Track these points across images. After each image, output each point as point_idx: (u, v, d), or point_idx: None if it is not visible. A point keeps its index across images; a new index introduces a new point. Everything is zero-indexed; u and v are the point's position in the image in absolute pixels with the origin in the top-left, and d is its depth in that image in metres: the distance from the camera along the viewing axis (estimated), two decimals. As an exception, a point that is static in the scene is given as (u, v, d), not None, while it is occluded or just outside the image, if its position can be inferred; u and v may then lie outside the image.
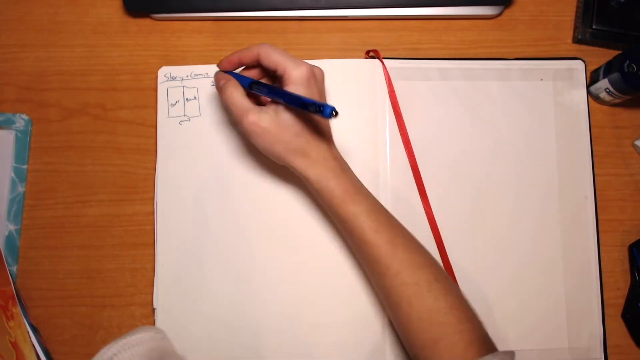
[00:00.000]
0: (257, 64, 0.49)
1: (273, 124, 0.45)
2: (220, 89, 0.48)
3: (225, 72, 0.50)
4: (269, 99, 0.48)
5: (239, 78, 0.48)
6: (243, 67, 0.50)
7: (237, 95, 0.46)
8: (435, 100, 0.57)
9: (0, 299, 0.50)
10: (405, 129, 0.56)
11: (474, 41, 0.60)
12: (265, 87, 0.47)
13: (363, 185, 0.49)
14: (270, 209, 0.55)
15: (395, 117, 0.56)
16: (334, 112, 0.40)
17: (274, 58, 0.46)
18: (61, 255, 0.55)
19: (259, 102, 0.49)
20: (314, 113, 0.42)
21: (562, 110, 0.57)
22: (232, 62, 0.49)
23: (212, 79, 0.57)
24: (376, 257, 0.46)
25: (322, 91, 0.48)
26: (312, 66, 0.47)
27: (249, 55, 0.48)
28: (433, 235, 0.55)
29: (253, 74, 0.50)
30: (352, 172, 0.49)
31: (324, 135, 0.47)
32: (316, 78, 0.47)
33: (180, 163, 0.55)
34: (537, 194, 0.56)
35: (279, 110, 0.45)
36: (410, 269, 0.45)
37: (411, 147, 0.55)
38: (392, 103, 0.56)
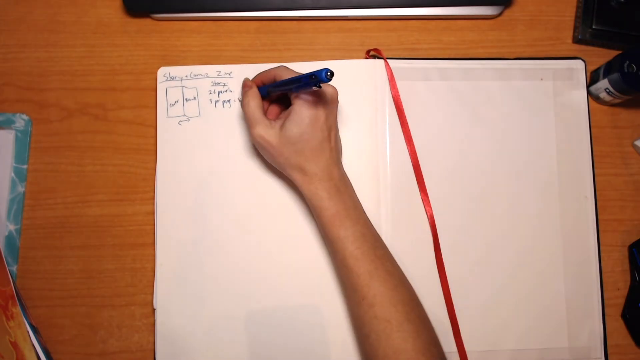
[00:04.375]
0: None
1: (275, 138, 0.48)
2: (242, 95, 0.51)
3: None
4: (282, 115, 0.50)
5: (261, 89, 0.51)
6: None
7: (252, 105, 0.49)
8: (435, 100, 0.57)
9: (0, 299, 0.50)
10: (408, 127, 0.56)
11: (474, 41, 0.60)
12: (276, 85, 0.49)
13: (358, 207, 0.49)
14: (269, 209, 0.55)
15: (398, 115, 0.56)
16: (328, 73, 0.41)
17: (286, 75, 0.48)
18: (61, 255, 0.55)
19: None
20: (315, 86, 0.43)
21: (562, 110, 0.57)
22: (257, 83, 0.51)
23: (212, 79, 0.57)
24: (353, 284, 0.46)
25: (330, 112, 0.48)
26: (322, 88, 0.48)
27: (267, 76, 0.50)
28: (432, 235, 0.55)
29: (271, 103, 0.53)
30: (350, 192, 0.50)
31: (324, 153, 0.48)
32: (325, 100, 0.48)
33: (180, 163, 0.55)
34: (537, 193, 0.56)
35: (285, 127, 0.47)
36: (384, 304, 0.45)
37: (413, 145, 0.55)
38: (394, 101, 0.56)
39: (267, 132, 0.48)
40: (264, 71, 0.51)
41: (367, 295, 0.45)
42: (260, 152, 0.51)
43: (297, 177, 0.49)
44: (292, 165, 0.49)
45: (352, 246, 0.47)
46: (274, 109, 0.52)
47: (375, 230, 0.49)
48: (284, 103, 0.52)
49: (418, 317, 0.46)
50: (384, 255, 0.48)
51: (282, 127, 0.48)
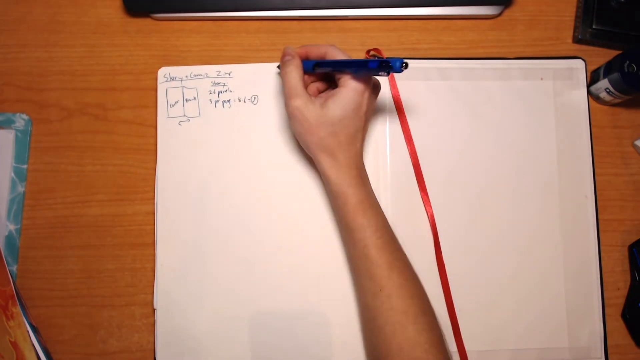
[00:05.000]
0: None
1: (314, 116, 0.46)
2: (283, 64, 0.49)
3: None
4: (321, 92, 0.50)
5: (305, 62, 0.49)
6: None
7: (294, 76, 0.47)
8: (435, 100, 0.57)
9: (0, 298, 0.50)
10: (408, 127, 0.56)
11: (474, 41, 0.60)
12: (330, 63, 0.48)
13: (377, 201, 0.49)
14: (270, 209, 0.55)
15: (398, 115, 0.56)
16: (403, 64, 0.41)
17: (338, 57, 0.47)
18: (61, 255, 0.55)
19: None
20: (383, 74, 0.43)
21: (562, 110, 0.57)
22: (301, 54, 0.50)
23: (212, 80, 0.57)
24: (372, 274, 0.46)
25: (371, 104, 0.49)
26: (372, 78, 0.48)
27: (316, 51, 0.49)
28: (432, 235, 0.55)
29: (313, 79, 0.51)
30: (370, 185, 0.50)
31: (356, 142, 0.48)
32: (372, 91, 0.48)
33: (180, 163, 0.55)
34: (538, 193, 0.56)
35: (326, 106, 0.46)
36: (401, 296, 0.45)
37: (413, 145, 0.55)
38: (394, 101, 0.56)
39: (307, 106, 0.46)
40: (312, 45, 0.49)
41: (385, 286, 0.45)
42: (292, 124, 0.49)
43: (324, 160, 0.48)
44: (323, 147, 0.47)
45: (374, 236, 0.46)
46: (313, 86, 0.51)
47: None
48: (325, 82, 0.52)
49: (430, 311, 0.46)
50: (400, 248, 0.48)
51: (323, 105, 0.46)
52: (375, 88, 0.49)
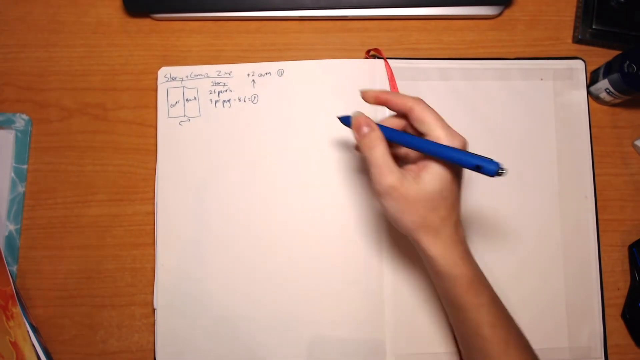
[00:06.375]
0: (401, 115, 0.44)
1: (412, 192, 0.41)
2: (362, 136, 0.43)
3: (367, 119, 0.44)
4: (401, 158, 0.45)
5: (382, 128, 0.43)
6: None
7: (379, 151, 0.42)
8: (435, 100, 0.56)
9: (0, 299, 0.50)
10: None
11: (474, 41, 0.60)
12: (413, 138, 0.42)
13: (482, 271, 0.46)
14: (270, 208, 0.55)
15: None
16: (500, 170, 0.38)
17: (427, 118, 0.42)
18: (61, 255, 0.55)
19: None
20: (474, 170, 0.39)
21: (562, 110, 0.57)
22: (379, 100, 0.44)
23: (212, 79, 0.57)
24: (488, 352, 0.43)
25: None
26: (465, 141, 0.42)
27: (399, 103, 0.43)
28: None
29: (394, 123, 0.45)
30: (472, 254, 0.45)
31: (455, 213, 0.43)
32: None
33: (180, 163, 0.55)
34: (538, 193, 0.56)
35: (421, 179, 0.41)
36: None
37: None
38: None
39: (402, 183, 0.41)
40: (396, 94, 0.43)
41: None
42: (385, 203, 0.42)
43: (426, 239, 0.42)
44: (425, 225, 0.42)
45: (488, 314, 0.43)
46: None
47: None
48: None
49: None
50: (512, 318, 0.45)
51: (417, 179, 0.41)
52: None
